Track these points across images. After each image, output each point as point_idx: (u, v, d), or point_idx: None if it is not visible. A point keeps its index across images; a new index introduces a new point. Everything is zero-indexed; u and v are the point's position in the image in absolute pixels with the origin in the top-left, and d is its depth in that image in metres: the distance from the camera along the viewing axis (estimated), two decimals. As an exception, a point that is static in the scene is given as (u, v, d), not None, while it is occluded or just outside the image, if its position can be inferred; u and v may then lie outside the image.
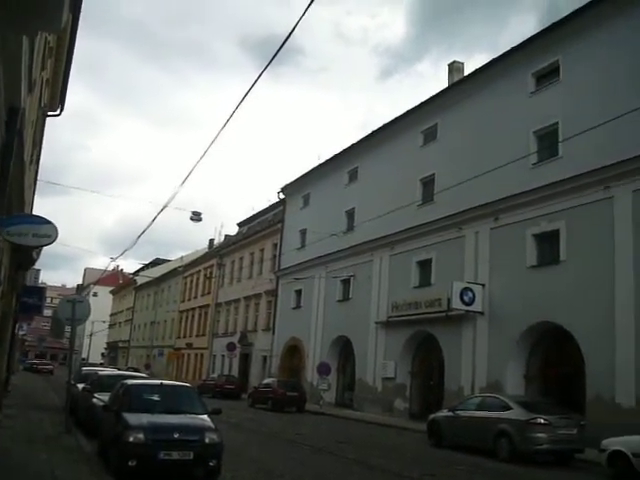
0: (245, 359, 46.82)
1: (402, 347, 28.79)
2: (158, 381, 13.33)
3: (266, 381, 35.01)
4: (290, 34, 8.96)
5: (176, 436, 10.20)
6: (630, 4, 20.01)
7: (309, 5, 8.55)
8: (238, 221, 59.95)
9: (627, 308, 18.60)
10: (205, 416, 11.24)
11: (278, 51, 9.25)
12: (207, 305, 56.97)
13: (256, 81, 9.54)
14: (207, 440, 10.33)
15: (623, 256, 19.02)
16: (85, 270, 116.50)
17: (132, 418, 10.55)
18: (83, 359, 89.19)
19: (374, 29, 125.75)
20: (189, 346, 59.67)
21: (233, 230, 61.84)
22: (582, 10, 21.57)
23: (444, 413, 20.06)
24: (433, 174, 28.34)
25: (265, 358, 43.41)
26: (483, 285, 24.12)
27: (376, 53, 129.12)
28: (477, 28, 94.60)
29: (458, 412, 19.12)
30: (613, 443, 14.73)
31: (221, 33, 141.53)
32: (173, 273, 68.46)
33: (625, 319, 18.60)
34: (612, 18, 20.60)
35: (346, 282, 34.42)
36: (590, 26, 21.44)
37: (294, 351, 39.76)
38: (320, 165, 39.03)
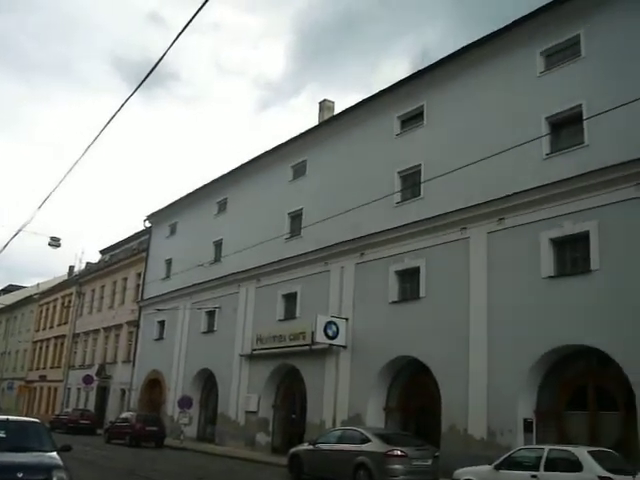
0: (102, 392, 44.87)
1: (266, 380, 28.68)
2: (3, 417, 12.48)
3: (124, 415, 33.70)
4: (161, 59, 8.90)
5: (20, 476, 9.52)
6: (493, 55, 21.42)
7: (182, 30, 8.53)
8: (101, 248, 57.95)
9: (480, 343, 19.55)
10: (54, 454, 10.60)
11: (147, 76, 9.15)
12: (64, 335, 54.29)
13: (122, 105, 9.36)
14: (55, 479, 9.75)
15: (477, 294, 20.04)
16: None
17: (-29, 458, 9.78)
18: None
19: (254, 61, 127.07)
20: (42, 379, 56.51)
21: (95, 257, 59.67)
22: (448, 59, 22.85)
23: (305, 446, 20.14)
24: (301, 209, 28.75)
25: (124, 391, 41.82)
26: (347, 319, 24.56)
27: (254, 85, 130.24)
28: (353, 68, 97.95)
29: (319, 445, 19.26)
30: (464, 473, 15.38)
31: (93, 54, 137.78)
32: (27, 301, 64.82)
33: (478, 354, 19.53)
34: (477, 67, 21.94)
35: (211, 314, 33.97)
36: (454, 74, 22.70)
37: (155, 384, 38.57)
38: (189, 194, 38.52)
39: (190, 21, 8.58)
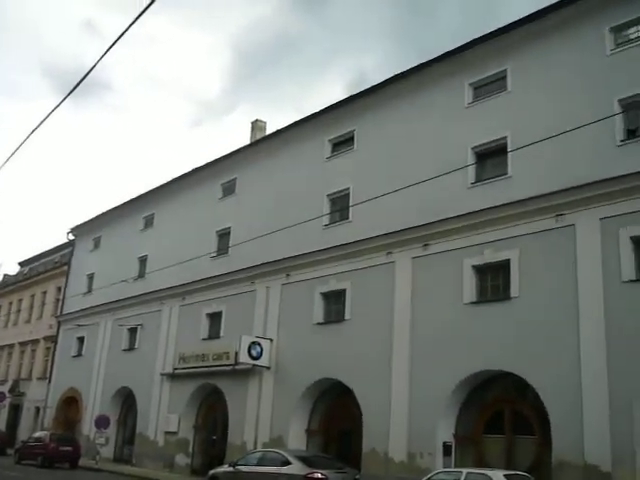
0: (15, 410, 43.15)
1: (187, 400, 28.17)
2: None
3: (37, 434, 32.51)
4: (92, 68, 8.77)
5: None
6: (424, 84, 21.98)
7: (116, 40, 8.43)
8: (20, 260, 56.02)
9: (402, 367, 19.78)
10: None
11: (75, 87, 9.00)
12: (-24, 350, 52.10)
13: (48, 116, 9.16)
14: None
15: (401, 318, 20.28)
16: None
17: None
18: None
19: (189, 77, 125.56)
20: (-50, 395, 53.95)
21: (14, 269, 57.66)
22: (380, 86, 23.27)
23: (224, 468, 19.93)
24: (229, 227, 28.60)
25: (38, 409, 40.31)
26: (271, 340, 24.46)
27: (188, 100, 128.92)
28: (288, 89, 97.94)
29: (239, 467, 19.09)
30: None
31: (24, 60, 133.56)
32: (-62, 313, 61.93)
33: (400, 377, 19.74)
34: (408, 94, 22.42)
35: (133, 331, 33.21)
36: (386, 101, 23.10)
37: (71, 402, 37.29)
38: (115, 208, 37.71)
39: (125, 32, 8.51)
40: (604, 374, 15.41)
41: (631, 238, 15.90)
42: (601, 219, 16.45)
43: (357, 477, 17.98)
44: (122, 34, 8.54)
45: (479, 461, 18.10)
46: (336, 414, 23.10)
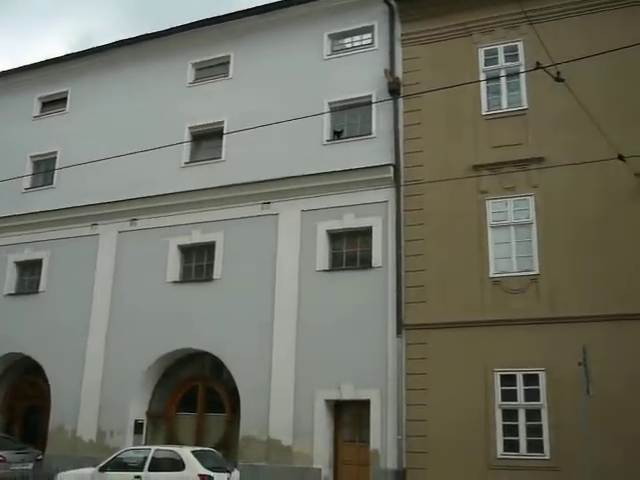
0: None
1: None
2: None
3: None
4: None
5: None
6: (148, 56, 21.54)
7: None
8: None
9: (98, 343, 19.27)
10: None
11: None
12: None
13: None
14: None
15: (101, 293, 19.70)
16: None
17: None
18: None
19: None
20: None
21: None
22: (98, 50, 22.38)
23: None
24: None
25: None
26: (-48, 310, 22.12)
27: None
28: (4, 37, 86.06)
29: None
30: (67, 476, 14.99)
31: None
32: None
33: (95, 354, 19.19)
34: (130, 64, 21.80)
35: None
36: (103, 68, 22.26)
37: None
38: None
39: None
40: (292, 358, 16.57)
41: (327, 232, 17.29)
42: (302, 211, 17.62)
43: (39, 457, 17.18)
44: None
45: (171, 438, 18.29)
46: (22, 392, 21.66)
